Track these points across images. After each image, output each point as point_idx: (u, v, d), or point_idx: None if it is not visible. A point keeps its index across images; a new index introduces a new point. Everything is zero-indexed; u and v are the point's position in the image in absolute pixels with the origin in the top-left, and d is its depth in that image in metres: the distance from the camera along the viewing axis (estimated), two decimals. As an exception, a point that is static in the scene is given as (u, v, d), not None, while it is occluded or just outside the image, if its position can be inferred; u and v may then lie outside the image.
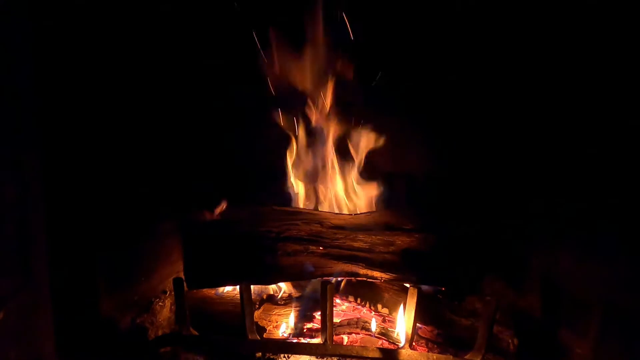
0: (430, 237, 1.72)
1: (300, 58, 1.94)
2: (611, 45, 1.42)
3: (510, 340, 1.64)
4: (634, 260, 1.33)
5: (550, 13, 1.61)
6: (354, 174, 2.07)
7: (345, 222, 1.79)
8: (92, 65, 1.52)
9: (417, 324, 1.66)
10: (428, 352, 1.68)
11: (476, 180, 1.93)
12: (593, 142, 1.48)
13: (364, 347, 1.59)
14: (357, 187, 2.06)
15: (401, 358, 1.54)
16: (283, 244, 1.72)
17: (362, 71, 1.96)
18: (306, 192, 2.08)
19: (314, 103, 2.02)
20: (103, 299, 1.60)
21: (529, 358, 1.63)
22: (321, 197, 2.10)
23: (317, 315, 1.86)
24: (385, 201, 2.02)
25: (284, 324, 1.82)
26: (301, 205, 2.08)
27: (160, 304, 1.82)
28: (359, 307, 2.00)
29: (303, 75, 1.96)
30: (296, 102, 2.03)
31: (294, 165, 2.10)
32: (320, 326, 1.64)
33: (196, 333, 1.65)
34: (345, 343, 1.74)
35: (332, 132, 2.04)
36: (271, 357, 1.63)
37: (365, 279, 1.77)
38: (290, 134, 2.08)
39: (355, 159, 2.08)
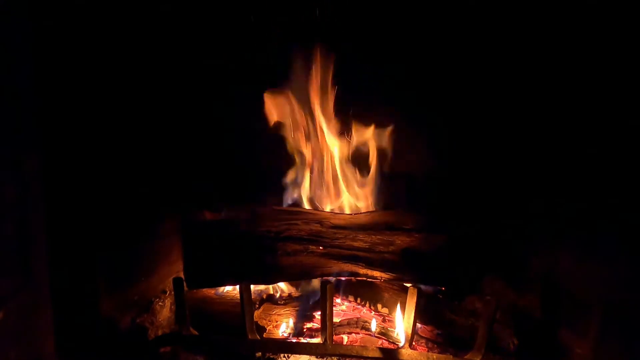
0: (430, 236, 1.72)
1: (301, 58, 1.94)
2: (611, 45, 1.42)
3: (510, 340, 1.64)
4: (634, 260, 1.33)
5: (551, 13, 1.61)
6: (353, 174, 2.07)
7: (345, 222, 1.79)
8: (92, 65, 1.52)
9: (417, 324, 1.66)
10: (428, 351, 1.68)
11: (476, 180, 1.94)
12: (593, 142, 1.48)
13: (364, 347, 1.59)
14: (357, 187, 2.06)
15: (401, 358, 1.54)
16: (283, 243, 1.73)
17: (362, 71, 1.96)
18: (306, 192, 2.08)
19: (314, 103, 2.02)
20: (103, 298, 1.60)
21: (529, 358, 1.63)
22: (321, 197, 2.10)
23: (317, 315, 1.86)
24: (385, 201, 2.03)
25: (284, 324, 1.82)
26: (301, 205, 2.08)
27: (160, 303, 1.82)
28: (359, 306, 2.00)
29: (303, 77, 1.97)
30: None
31: (294, 165, 2.10)
32: (320, 326, 1.64)
33: (196, 333, 1.64)
34: (345, 343, 1.74)
35: (332, 131, 2.04)
36: (271, 356, 1.64)
37: (365, 278, 1.77)
38: (290, 134, 2.08)
39: (355, 159, 2.07)
